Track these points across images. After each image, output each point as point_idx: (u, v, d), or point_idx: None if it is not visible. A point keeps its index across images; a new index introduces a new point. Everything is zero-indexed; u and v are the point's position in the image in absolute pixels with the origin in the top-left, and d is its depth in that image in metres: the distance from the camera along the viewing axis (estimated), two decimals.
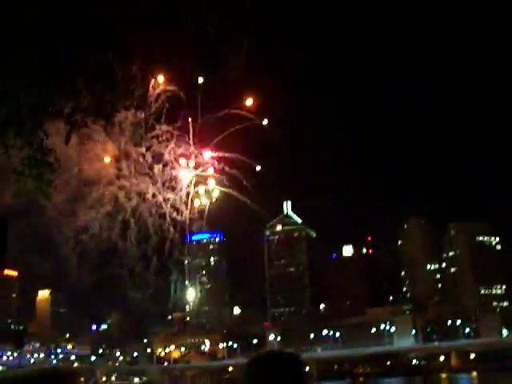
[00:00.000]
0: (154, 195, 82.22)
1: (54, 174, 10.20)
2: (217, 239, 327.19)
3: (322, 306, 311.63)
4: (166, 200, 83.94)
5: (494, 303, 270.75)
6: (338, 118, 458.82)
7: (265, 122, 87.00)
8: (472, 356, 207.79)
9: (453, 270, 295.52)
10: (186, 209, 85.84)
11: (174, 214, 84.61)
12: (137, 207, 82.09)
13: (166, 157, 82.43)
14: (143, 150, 79.90)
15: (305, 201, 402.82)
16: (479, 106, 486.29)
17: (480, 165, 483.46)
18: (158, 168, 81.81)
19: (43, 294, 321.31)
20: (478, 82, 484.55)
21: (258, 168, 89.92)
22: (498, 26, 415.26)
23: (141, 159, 79.73)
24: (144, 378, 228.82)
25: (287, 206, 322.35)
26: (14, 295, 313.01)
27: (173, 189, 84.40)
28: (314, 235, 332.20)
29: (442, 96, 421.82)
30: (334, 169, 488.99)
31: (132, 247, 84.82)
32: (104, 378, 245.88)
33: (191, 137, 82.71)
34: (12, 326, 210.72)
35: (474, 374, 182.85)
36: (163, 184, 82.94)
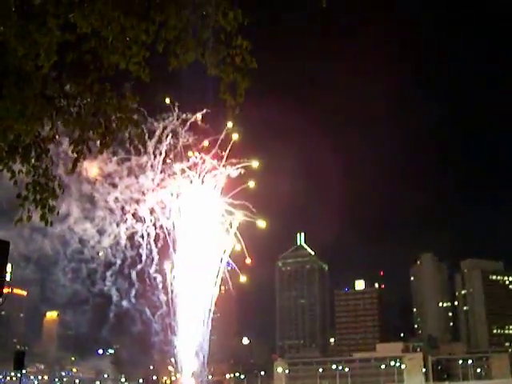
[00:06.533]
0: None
1: (57, 200, 10.26)
2: (228, 268, 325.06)
3: (331, 339, 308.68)
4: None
5: (507, 344, 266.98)
6: (354, 157, 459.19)
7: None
8: None
9: (465, 308, 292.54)
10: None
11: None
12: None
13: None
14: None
15: (319, 233, 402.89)
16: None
17: (495, 203, 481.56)
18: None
19: (51, 315, 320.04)
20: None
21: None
22: None
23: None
24: None
25: (300, 238, 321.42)
26: (21, 315, 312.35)
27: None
28: (327, 268, 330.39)
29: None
30: (351, 202, 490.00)
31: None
32: None
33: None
34: (18, 346, 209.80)
35: None
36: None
